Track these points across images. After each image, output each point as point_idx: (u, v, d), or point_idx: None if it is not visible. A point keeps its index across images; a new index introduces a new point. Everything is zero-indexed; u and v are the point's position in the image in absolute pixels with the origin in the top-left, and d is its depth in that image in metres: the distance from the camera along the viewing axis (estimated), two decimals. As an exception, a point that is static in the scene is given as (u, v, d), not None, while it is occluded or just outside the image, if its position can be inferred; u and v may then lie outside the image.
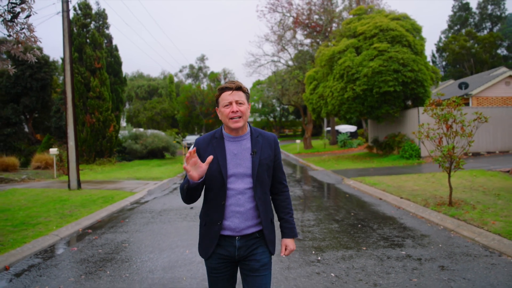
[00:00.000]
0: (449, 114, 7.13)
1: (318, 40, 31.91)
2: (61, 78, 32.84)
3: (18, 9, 5.11)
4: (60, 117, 24.91)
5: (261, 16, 69.60)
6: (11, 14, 5.06)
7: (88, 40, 22.54)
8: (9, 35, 5.27)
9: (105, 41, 25.09)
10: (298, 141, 33.23)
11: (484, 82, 24.15)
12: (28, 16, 5.01)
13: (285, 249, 2.41)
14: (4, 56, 5.45)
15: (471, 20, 50.04)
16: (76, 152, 11.37)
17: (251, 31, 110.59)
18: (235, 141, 2.30)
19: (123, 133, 27.37)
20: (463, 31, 47.84)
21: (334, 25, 32.60)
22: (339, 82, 18.88)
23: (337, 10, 34.20)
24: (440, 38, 50.78)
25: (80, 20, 21.97)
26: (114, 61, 25.22)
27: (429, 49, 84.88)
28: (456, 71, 45.67)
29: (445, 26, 50.18)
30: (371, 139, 23.21)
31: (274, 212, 2.44)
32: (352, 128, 38.80)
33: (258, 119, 68.97)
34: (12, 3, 5.02)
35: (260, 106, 62.86)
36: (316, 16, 33.38)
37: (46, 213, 7.88)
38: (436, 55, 50.45)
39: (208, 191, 2.31)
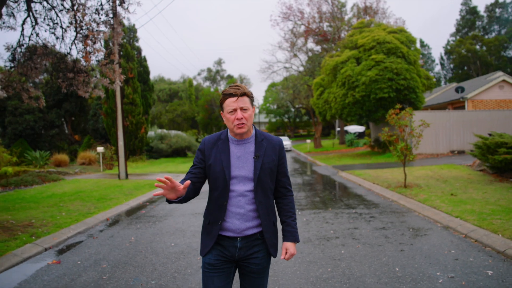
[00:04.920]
0: (403, 121, 9.85)
1: (325, 46, 34.45)
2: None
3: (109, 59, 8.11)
4: (96, 120, 28.31)
5: (274, 25, 72.52)
6: (107, 61, 8.06)
7: (122, 53, 25.78)
8: (102, 74, 8.29)
9: (136, 53, 28.34)
10: (308, 141, 35.95)
11: (480, 86, 26.30)
12: (118, 63, 7.99)
13: (286, 253, 2.41)
14: (100, 87, 7.79)
15: (479, 23, 51.80)
16: (124, 150, 14.45)
17: (266, 36, 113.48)
18: (240, 144, 2.34)
19: (150, 134, 30.64)
20: (471, 34, 49.66)
21: (344, 32, 35.08)
22: (341, 89, 21.61)
23: (346, 18, 36.80)
24: (448, 41, 52.72)
25: (115, 36, 25.23)
26: (143, 71, 28.48)
27: (438, 52, 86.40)
28: (462, 74, 47.60)
29: (453, 30, 51.80)
30: (373, 139, 25.79)
31: (277, 215, 2.50)
32: (360, 129, 41.27)
33: (273, 120, 71.84)
34: (106, 57, 8.03)
35: (275, 107, 65.71)
36: (326, 24, 36.03)
37: (112, 193, 10.92)
38: (444, 57, 52.42)
39: (212, 191, 2.37)
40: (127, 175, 14.57)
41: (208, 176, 2.39)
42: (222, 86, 66.28)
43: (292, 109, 64.94)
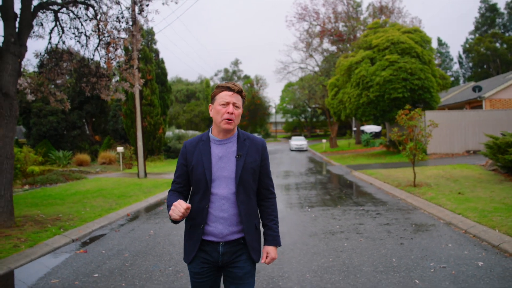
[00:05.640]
0: (412, 122, 10.09)
1: (340, 46, 34.56)
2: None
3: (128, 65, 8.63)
4: (116, 121, 29.18)
5: (290, 25, 72.76)
6: (127, 66, 8.58)
7: (140, 55, 26.51)
8: (122, 78, 8.81)
9: (154, 55, 29.08)
10: (324, 140, 36.14)
11: (498, 85, 26.05)
12: (137, 68, 8.50)
13: (266, 257, 2.37)
14: (120, 90, 8.32)
15: (499, 20, 50.94)
16: (143, 150, 15.05)
17: (282, 37, 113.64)
18: (221, 144, 2.30)
19: (167, 134, 31.35)
20: (490, 32, 48.91)
21: (359, 32, 35.11)
22: (356, 89, 21.81)
23: (362, 18, 36.82)
24: (467, 40, 52.01)
25: (134, 39, 25.99)
26: (161, 73, 29.19)
27: (456, 50, 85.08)
28: (482, 72, 46.96)
29: (472, 28, 51.08)
30: (388, 139, 25.86)
31: (260, 218, 2.44)
32: (377, 128, 41.15)
33: (290, 120, 72.07)
34: (126, 62, 8.55)
35: (291, 107, 65.94)
36: (341, 24, 36.13)
37: (132, 191, 11.48)
38: (463, 56, 51.77)
39: (193, 195, 2.32)
40: (146, 174, 15.16)
41: (190, 179, 2.35)
42: (238, 87, 66.69)
43: (309, 109, 65.07)
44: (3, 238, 5.85)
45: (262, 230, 2.45)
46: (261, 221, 2.45)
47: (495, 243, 5.14)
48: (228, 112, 2.23)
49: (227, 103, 2.24)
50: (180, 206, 2.08)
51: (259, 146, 2.38)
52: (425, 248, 5.12)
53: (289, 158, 26.21)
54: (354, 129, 42.70)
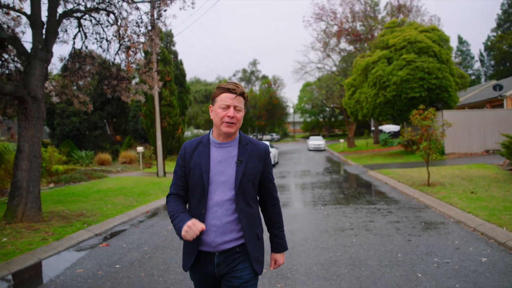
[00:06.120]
0: (425, 121, 10.15)
1: (357, 46, 34.43)
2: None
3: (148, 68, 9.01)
4: (136, 122, 29.87)
5: (307, 25, 72.70)
6: (146, 69, 8.95)
7: (159, 57, 27.09)
8: (142, 80, 9.18)
9: (172, 56, 29.63)
10: (341, 140, 36.11)
11: (521, 84, 25.55)
12: (156, 71, 8.86)
13: (274, 263, 2.34)
14: (140, 92, 8.64)
15: (523, 17, 49.70)
16: (162, 150, 15.48)
17: (298, 36, 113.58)
18: (221, 147, 2.20)
19: (186, 134, 31.91)
20: (513, 29, 47.80)
21: (377, 31, 34.89)
22: (373, 89, 21.81)
23: (380, 17, 36.61)
24: (489, 37, 50.93)
25: (154, 41, 26.64)
26: (179, 74, 29.73)
27: (477, 48, 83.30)
28: (504, 70, 45.95)
29: (494, 25, 49.98)
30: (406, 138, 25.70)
31: (263, 226, 2.33)
32: (395, 128, 40.78)
33: (308, 119, 71.98)
34: (145, 65, 8.93)
35: (310, 107, 65.85)
36: (359, 23, 36.00)
37: (151, 189, 11.88)
38: (484, 54, 50.75)
39: (191, 197, 2.22)
40: (165, 173, 15.59)
41: (188, 182, 2.23)
42: (257, 87, 67.06)
43: (327, 109, 64.83)
44: (33, 232, 6.27)
45: (264, 228, 2.38)
46: (266, 228, 2.38)
47: (501, 241, 5.25)
48: (229, 116, 2.12)
49: (228, 106, 2.13)
50: (196, 228, 1.98)
51: (262, 151, 2.26)
52: (431, 245, 5.27)
53: (306, 158, 26.36)
54: (373, 128, 42.42)
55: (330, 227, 6.54)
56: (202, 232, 2.09)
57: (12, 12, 7.72)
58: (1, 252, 5.28)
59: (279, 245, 2.33)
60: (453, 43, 64.73)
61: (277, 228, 2.34)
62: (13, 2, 7.35)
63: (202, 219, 2.13)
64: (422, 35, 21.65)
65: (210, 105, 2.23)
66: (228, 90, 2.14)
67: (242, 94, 2.16)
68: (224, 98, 2.13)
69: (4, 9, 7.29)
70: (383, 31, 25.19)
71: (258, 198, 2.34)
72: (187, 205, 2.29)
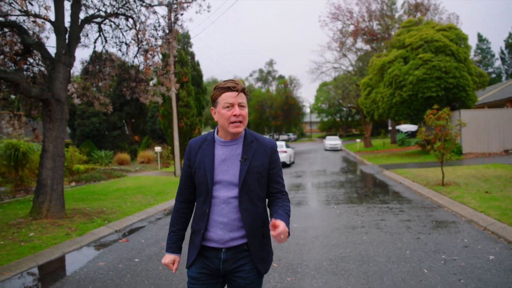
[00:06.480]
0: (439, 121, 10.16)
1: (374, 45, 34.21)
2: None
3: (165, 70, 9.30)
4: (154, 122, 30.41)
5: (323, 25, 72.44)
6: (164, 72, 9.24)
7: (176, 59, 27.53)
8: (159, 82, 9.48)
9: (189, 58, 30.06)
10: (358, 140, 35.97)
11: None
12: (173, 73, 9.14)
13: (275, 228, 1.92)
14: (158, 94, 8.96)
15: (545, 14, 48.53)
16: (180, 149, 15.81)
17: (314, 36, 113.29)
18: (226, 145, 2.16)
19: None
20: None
21: (394, 30, 34.61)
22: (389, 88, 21.73)
23: (397, 15, 36.31)
24: (510, 34, 49.89)
25: (171, 43, 27.12)
26: (196, 75, 30.12)
27: (498, 46, 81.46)
28: (526, 68, 44.97)
29: (517, 22, 48.96)
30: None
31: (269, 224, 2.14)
32: (413, 128, 40.39)
33: (325, 119, 71.75)
34: (163, 68, 9.22)
35: (326, 106, 65.62)
36: (375, 22, 35.78)
37: (169, 188, 12.19)
38: (505, 52, 49.74)
39: (198, 196, 2.20)
40: (182, 172, 15.93)
41: (195, 181, 2.21)
42: (273, 87, 67.18)
43: (344, 109, 64.51)
44: (57, 228, 6.62)
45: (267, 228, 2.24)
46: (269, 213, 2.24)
47: (511, 239, 5.32)
48: (235, 115, 2.06)
49: (232, 105, 2.06)
50: (169, 268, 2.31)
51: (268, 148, 2.19)
52: (440, 243, 5.37)
53: (322, 158, 26.42)
54: (390, 128, 42.10)
55: (341, 225, 6.68)
56: (207, 229, 2.13)
57: (37, 19, 8.11)
58: (29, 246, 5.63)
59: (283, 216, 2.06)
60: (473, 41, 63.42)
61: (283, 210, 2.12)
62: (39, 11, 7.71)
63: (206, 217, 2.12)
64: (439, 34, 21.47)
65: (212, 107, 2.17)
66: (229, 89, 2.07)
67: (243, 90, 2.11)
68: (226, 98, 2.07)
69: (32, 17, 7.65)
70: (399, 30, 25.04)
71: (266, 195, 2.24)
72: (195, 204, 2.29)
